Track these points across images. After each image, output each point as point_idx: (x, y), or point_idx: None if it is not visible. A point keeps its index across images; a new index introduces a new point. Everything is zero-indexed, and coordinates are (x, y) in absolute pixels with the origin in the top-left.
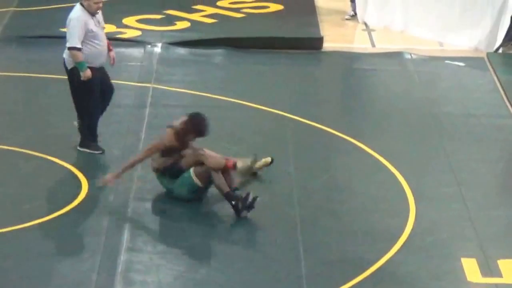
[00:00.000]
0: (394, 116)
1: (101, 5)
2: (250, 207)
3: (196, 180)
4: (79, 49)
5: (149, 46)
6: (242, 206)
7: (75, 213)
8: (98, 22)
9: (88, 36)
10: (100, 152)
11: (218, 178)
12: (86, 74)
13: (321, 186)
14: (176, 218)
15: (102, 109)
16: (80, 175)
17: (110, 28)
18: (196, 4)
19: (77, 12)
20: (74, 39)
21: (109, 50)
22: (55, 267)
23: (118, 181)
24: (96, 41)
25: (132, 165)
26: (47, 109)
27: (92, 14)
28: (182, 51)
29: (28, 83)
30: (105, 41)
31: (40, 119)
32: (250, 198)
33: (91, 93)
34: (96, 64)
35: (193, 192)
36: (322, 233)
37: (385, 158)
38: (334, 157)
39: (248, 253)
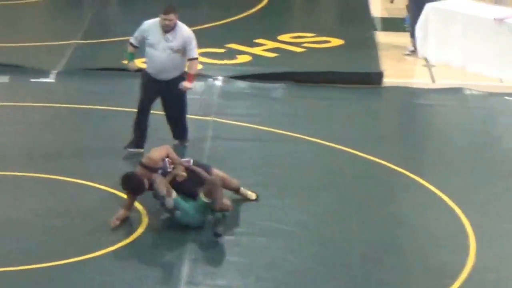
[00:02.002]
0: (453, 152)
1: (167, 23)
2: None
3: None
4: (130, 43)
5: (211, 79)
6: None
7: (135, 245)
8: (167, 39)
9: (147, 43)
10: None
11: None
12: (129, 65)
13: (380, 221)
14: (236, 251)
15: (174, 125)
16: (140, 208)
17: None
18: (257, 38)
19: (152, 20)
20: (133, 35)
21: (186, 79)
22: None
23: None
24: (151, 51)
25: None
26: (110, 142)
27: (164, 30)
28: (243, 85)
29: (92, 115)
30: (163, 58)
31: (103, 151)
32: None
33: (141, 93)
34: (150, 71)
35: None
36: (383, 270)
37: (444, 194)
38: (394, 192)
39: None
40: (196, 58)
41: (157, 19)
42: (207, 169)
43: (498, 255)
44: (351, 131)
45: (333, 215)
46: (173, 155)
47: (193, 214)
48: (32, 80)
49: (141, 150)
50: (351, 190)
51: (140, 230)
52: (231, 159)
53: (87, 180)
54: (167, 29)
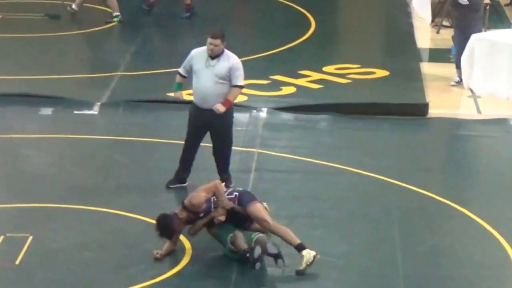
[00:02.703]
0: (499, 183)
1: (213, 47)
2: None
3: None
4: (179, 73)
5: (255, 111)
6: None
7: (179, 277)
8: (213, 65)
9: (193, 70)
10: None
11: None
12: (176, 95)
13: (425, 252)
14: (280, 283)
15: (218, 156)
16: (183, 239)
17: None
18: (302, 70)
19: (201, 47)
20: (182, 65)
21: (223, 103)
22: None
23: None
24: (195, 78)
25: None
26: (153, 174)
27: (209, 55)
28: (287, 116)
29: (135, 147)
30: (207, 85)
31: (146, 183)
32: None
33: (188, 126)
34: (196, 100)
35: None
36: None
37: (490, 225)
38: (438, 223)
39: None
40: (240, 87)
41: (205, 47)
42: (247, 203)
43: None
44: (396, 163)
45: (377, 247)
46: (220, 193)
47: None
48: (75, 112)
49: (184, 185)
50: (395, 221)
51: (184, 262)
52: (275, 190)
53: (130, 212)
54: (213, 54)
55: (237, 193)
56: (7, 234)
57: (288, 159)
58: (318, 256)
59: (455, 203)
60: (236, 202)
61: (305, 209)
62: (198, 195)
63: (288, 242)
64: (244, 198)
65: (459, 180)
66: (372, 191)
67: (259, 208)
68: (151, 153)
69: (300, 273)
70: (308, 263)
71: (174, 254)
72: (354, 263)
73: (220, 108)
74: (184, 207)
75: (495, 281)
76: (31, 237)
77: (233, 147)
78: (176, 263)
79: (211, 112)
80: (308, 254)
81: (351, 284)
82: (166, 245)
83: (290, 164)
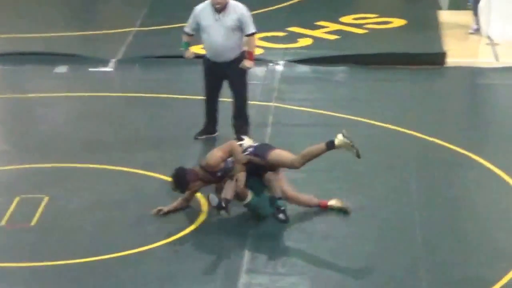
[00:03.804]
0: None
1: (218, 0)
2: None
3: None
4: (185, 32)
5: (271, 64)
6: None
7: (195, 234)
8: (220, 18)
9: (202, 28)
10: (205, 136)
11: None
12: (186, 53)
13: (443, 203)
14: (296, 239)
15: (235, 106)
16: (199, 196)
17: None
18: (319, 21)
19: (202, 3)
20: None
21: (247, 57)
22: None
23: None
24: (205, 34)
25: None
26: (168, 130)
27: (215, 9)
28: (304, 68)
29: (152, 104)
30: (219, 39)
31: (164, 140)
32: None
33: (204, 79)
34: (209, 55)
35: None
36: (444, 252)
37: (508, 175)
38: (457, 174)
39: (367, 272)
40: (254, 33)
41: (207, 1)
42: (265, 153)
43: None
44: (413, 113)
45: (394, 198)
46: (236, 151)
47: (263, 204)
48: (90, 69)
49: (214, 135)
50: (413, 172)
51: (200, 220)
52: (292, 144)
53: (147, 170)
54: (219, 8)
55: (251, 149)
56: (22, 195)
57: (306, 112)
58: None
59: (473, 153)
60: (253, 156)
61: (322, 162)
62: (214, 155)
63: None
64: (260, 150)
65: (477, 130)
66: (390, 142)
67: (277, 153)
68: (168, 110)
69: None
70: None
71: (190, 212)
72: (371, 215)
73: (248, 64)
74: (201, 167)
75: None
76: (46, 198)
77: (249, 102)
78: (192, 221)
79: (225, 63)
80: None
81: (368, 237)
82: (176, 202)
83: (307, 117)
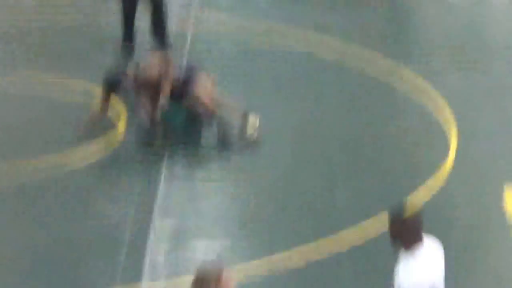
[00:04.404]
0: (441, 37)
1: None
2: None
3: None
4: None
5: None
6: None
7: (115, 148)
8: None
9: None
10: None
11: None
12: None
13: (360, 111)
14: (211, 146)
15: (153, 19)
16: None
17: None
18: None
19: None
20: None
21: None
22: (95, 205)
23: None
24: None
25: None
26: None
27: None
28: None
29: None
30: None
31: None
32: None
33: None
34: None
35: None
36: (361, 159)
37: (428, 81)
38: (377, 81)
39: (286, 182)
40: None
41: None
42: (193, 78)
43: (478, 150)
44: (336, 19)
45: (312, 108)
46: (170, 65)
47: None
48: None
49: (132, 44)
50: (331, 86)
51: (119, 132)
52: (212, 58)
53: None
54: None
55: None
56: None
57: (225, 21)
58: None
59: (394, 60)
60: (182, 76)
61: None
62: (152, 68)
63: (233, 112)
64: (189, 71)
65: (401, 35)
66: (311, 50)
67: (203, 84)
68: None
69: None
70: (254, 127)
71: (107, 133)
72: (292, 130)
73: None
74: (135, 76)
75: (431, 144)
76: None
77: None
78: (109, 142)
79: None
80: (252, 117)
81: (289, 151)
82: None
83: (227, 26)
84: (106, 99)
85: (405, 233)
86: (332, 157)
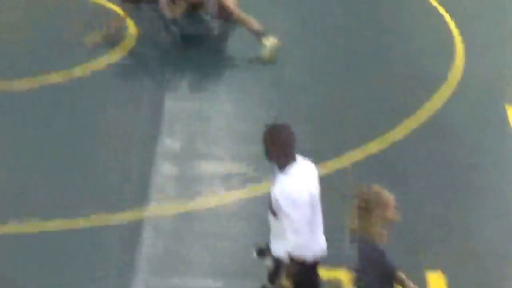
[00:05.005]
0: None
1: None
2: None
3: None
4: None
5: None
6: None
7: (121, 58)
8: None
9: None
10: None
11: None
12: None
13: (367, 28)
14: (222, 67)
15: None
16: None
17: None
18: None
19: None
20: None
21: None
22: (104, 117)
23: None
24: None
25: None
26: None
27: None
28: None
29: None
30: None
31: None
32: None
33: None
34: None
35: None
36: (368, 75)
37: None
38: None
39: (291, 100)
40: None
41: None
42: None
43: (484, 65)
44: None
45: (320, 21)
46: None
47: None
48: None
49: None
50: None
51: (126, 44)
52: None
53: None
54: None
55: None
56: None
57: None
58: (280, 43)
59: None
60: None
61: None
62: None
63: (250, 29)
64: None
65: None
66: None
67: None
68: None
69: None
70: (269, 51)
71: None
72: (297, 42)
73: None
74: None
75: (438, 59)
76: None
77: None
78: (117, 44)
79: None
80: (268, 41)
81: (295, 63)
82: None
83: None
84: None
85: (276, 153)
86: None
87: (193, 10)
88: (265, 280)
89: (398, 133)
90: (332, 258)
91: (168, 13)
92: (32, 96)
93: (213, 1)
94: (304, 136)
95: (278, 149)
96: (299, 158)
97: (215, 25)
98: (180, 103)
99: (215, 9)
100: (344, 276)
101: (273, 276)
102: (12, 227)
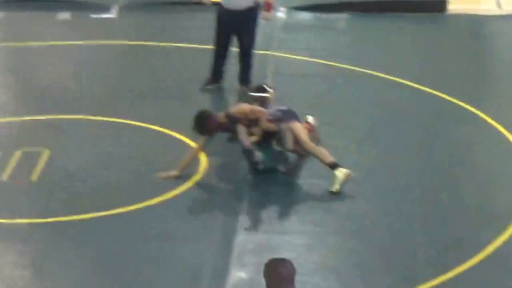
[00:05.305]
0: None
1: None
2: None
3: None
4: None
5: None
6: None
7: (192, 191)
8: None
9: None
10: (212, 85)
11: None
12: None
13: (442, 160)
14: (293, 197)
15: (241, 58)
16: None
17: None
18: None
19: None
20: None
21: (265, 8)
22: (173, 248)
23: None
24: None
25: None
26: (172, 81)
27: None
28: (305, 16)
29: (154, 53)
30: None
31: (166, 91)
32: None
33: (216, 28)
34: (224, 2)
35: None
36: (441, 213)
37: (508, 131)
38: (457, 129)
39: (365, 230)
40: None
41: None
42: (288, 121)
43: None
44: (413, 63)
45: (392, 154)
46: (263, 120)
47: (268, 159)
48: (93, 16)
49: (219, 85)
50: (412, 126)
51: (197, 177)
52: (293, 95)
53: (147, 123)
54: None
55: (279, 113)
56: (23, 149)
57: (307, 62)
58: (353, 174)
59: (474, 107)
60: (276, 122)
61: (323, 116)
62: (244, 106)
63: (322, 161)
64: (286, 117)
65: (478, 81)
66: (388, 94)
67: (298, 128)
68: (171, 59)
69: (333, 193)
70: (342, 183)
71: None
72: (366, 172)
73: (267, 16)
74: (227, 114)
75: (509, 191)
76: (47, 151)
77: None
78: (191, 175)
79: (238, 12)
80: (341, 173)
81: (363, 195)
82: (184, 159)
83: (306, 67)
84: (201, 142)
85: (278, 286)
86: (409, 192)
87: (266, 139)
88: None
89: (466, 266)
90: None
91: (244, 140)
92: (103, 223)
93: (287, 132)
94: (376, 271)
95: (279, 284)
96: None
97: (287, 157)
98: (250, 235)
99: (289, 140)
100: None
101: None
102: None
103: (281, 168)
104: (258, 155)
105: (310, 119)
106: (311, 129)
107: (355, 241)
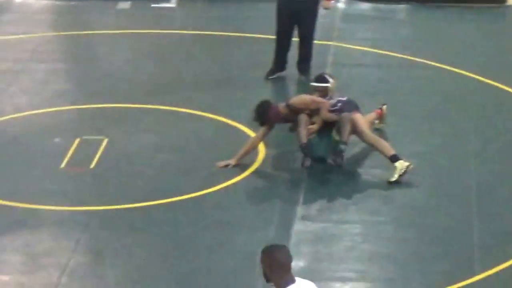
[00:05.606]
0: None
1: None
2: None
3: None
4: None
5: (332, 1)
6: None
7: (249, 181)
8: None
9: None
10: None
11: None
12: None
13: (498, 151)
14: (349, 186)
15: (301, 48)
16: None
17: None
18: None
19: None
20: None
21: None
22: (231, 236)
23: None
24: None
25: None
26: (233, 70)
27: None
28: (365, 6)
29: (214, 42)
30: None
31: (226, 80)
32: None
33: (277, 18)
34: None
35: None
36: (498, 201)
37: None
38: None
39: (420, 221)
40: None
41: None
42: (349, 112)
43: None
44: (474, 55)
45: (451, 146)
46: (324, 110)
47: (323, 149)
48: (153, 5)
49: (282, 73)
50: (471, 117)
51: (256, 164)
52: (351, 85)
53: (207, 112)
54: None
55: (340, 104)
56: (82, 137)
57: (366, 52)
58: (412, 166)
59: None
60: (337, 113)
61: (380, 105)
62: (304, 97)
63: (382, 153)
64: (347, 107)
65: None
66: (448, 86)
67: (358, 118)
68: (232, 48)
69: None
70: (401, 173)
71: (245, 158)
72: (426, 163)
73: (328, 5)
74: (287, 105)
75: None
76: (106, 140)
77: None
78: (250, 164)
79: (299, 1)
80: (401, 165)
81: (423, 186)
82: (242, 149)
83: (366, 57)
84: (261, 133)
85: (275, 272)
86: (466, 185)
87: (326, 128)
88: None
89: None
90: None
91: (301, 137)
92: (161, 210)
93: (347, 123)
94: (433, 259)
95: (275, 271)
96: (298, 279)
97: (342, 149)
98: (307, 224)
99: (346, 132)
100: None
101: None
102: None
103: (333, 159)
104: (316, 146)
105: (384, 107)
106: (380, 116)
107: (412, 230)
